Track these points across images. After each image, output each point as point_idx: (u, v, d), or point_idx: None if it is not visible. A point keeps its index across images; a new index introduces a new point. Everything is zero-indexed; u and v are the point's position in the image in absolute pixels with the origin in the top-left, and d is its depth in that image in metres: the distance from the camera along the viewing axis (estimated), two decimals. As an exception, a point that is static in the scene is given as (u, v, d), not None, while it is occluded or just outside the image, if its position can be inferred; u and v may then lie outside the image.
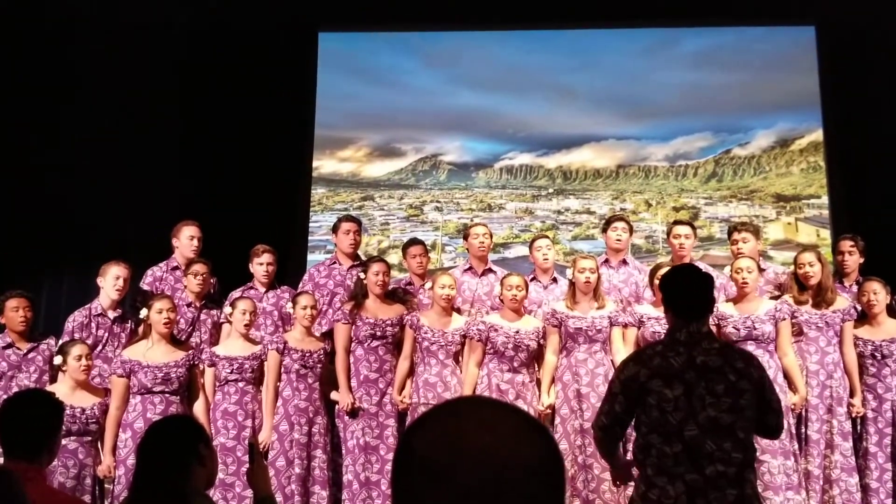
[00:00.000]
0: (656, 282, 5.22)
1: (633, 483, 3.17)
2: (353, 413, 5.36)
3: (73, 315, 5.50)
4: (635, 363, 3.15)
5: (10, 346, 5.27)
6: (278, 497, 5.08)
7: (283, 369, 5.27)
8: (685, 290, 3.21)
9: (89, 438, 4.96)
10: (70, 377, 4.90)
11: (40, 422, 2.72)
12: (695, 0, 8.04)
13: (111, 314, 5.53)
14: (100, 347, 5.45)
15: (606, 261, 5.87)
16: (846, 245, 5.70)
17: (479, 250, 5.91)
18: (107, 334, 5.49)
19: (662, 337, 3.27)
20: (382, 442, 5.34)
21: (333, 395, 5.40)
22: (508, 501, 1.00)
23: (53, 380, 5.08)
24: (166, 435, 2.72)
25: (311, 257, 7.77)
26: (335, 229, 6.09)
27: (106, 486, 5.05)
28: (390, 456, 5.30)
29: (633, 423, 3.21)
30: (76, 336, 5.32)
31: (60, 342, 5.22)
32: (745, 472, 2.98)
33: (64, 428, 3.21)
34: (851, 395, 5.24)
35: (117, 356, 5.17)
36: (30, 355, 5.29)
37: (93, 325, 5.47)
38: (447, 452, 1.02)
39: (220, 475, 4.76)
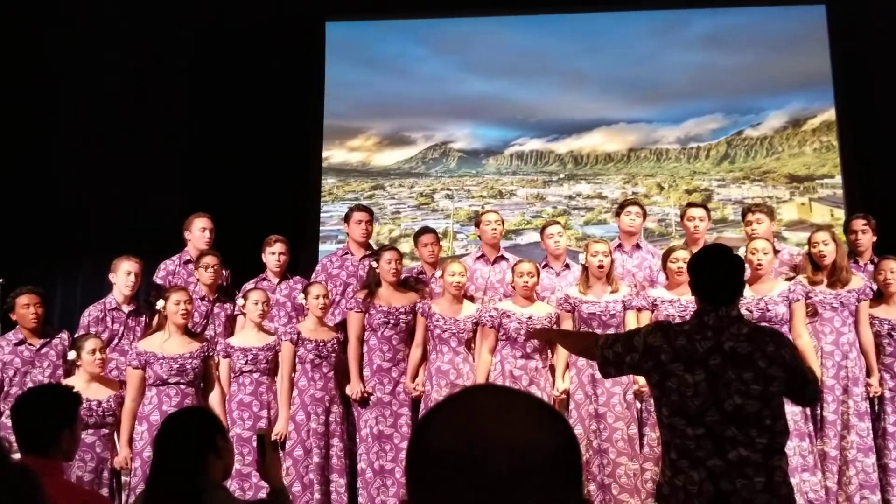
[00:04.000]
0: (669, 265, 5.20)
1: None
2: (364, 402, 5.37)
3: (89, 309, 5.53)
4: (663, 334, 3.02)
5: (22, 342, 5.29)
6: (297, 486, 5.12)
7: (297, 360, 5.29)
8: (714, 273, 3.08)
9: (106, 431, 4.99)
10: (85, 371, 4.93)
11: (52, 415, 2.72)
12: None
13: (126, 308, 5.55)
14: (116, 341, 5.48)
15: (620, 245, 5.84)
16: (858, 224, 5.64)
17: (490, 237, 5.89)
18: (122, 328, 5.52)
19: (685, 318, 3.17)
20: (396, 430, 5.35)
21: (348, 389, 5.40)
22: (530, 490, 0.99)
23: (68, 374, 5.12)
24: (183, 427, 2.73)
25: (322, 248, 7.77)
26: (347, 219, 6.09)
27: (123, 478, 5.09)
28: (404, 444, 5.29)
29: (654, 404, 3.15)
30: (92, 330, 5.34)
31: (74, 337, 5.25)
32: (772, 458, 2.88)
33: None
34: (868, 375, 5.20)
35: (132, 348, 5.19)
36: (43, 350, 5.30)
37: (108, 319, 5.49)
38: (465, 443, 1.00)
39: (237, 466, 4.78)
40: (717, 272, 3.09)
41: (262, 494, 4.96)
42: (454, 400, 1.09)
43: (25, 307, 5.25)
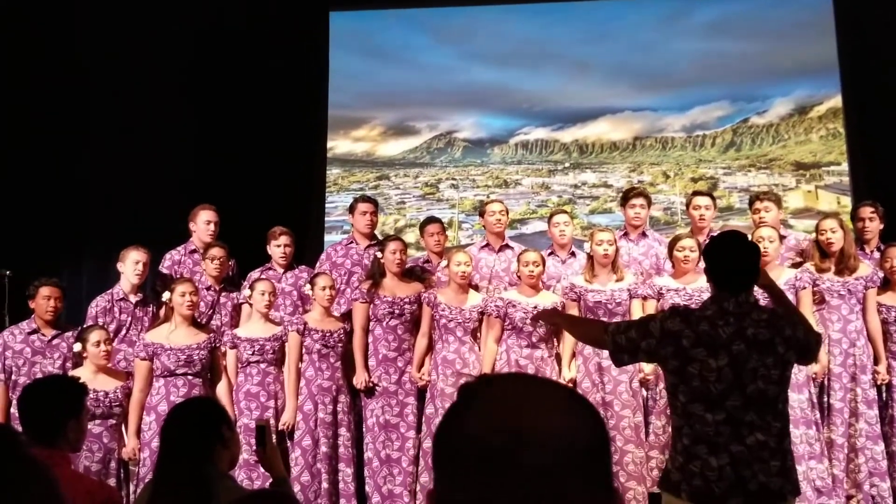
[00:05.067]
0: (676, 254, 5.19)
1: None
2: (369, 391, 5.38)
3: (96, 300, 5.55)
4: (682, 320, 3.00)
5: (35, 331, 5.31)
6: (306, 476, 5.14)
7: (304, 350, 5.29)
8: (733, 260, 3.07)
9: (114, 422, 5.01)
10: (91, 362, 4.94)
11: (58, 406, 2.72)
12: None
13: (133, 298, 5.56)
14: (123, 331, 5.51)
15: (625, 233, 5.82)
16: (866, 211, 5.62)
17: (495, 227, 5.88)
18: (130, 318, 5.54)
19: (703, 304, 3.13)
20: (402, 420, 5.36)
21: (354, 379, 5.41)
22: (569, 479, 0.98)
23: (77, 366, 5.13)
24: (190, 417, 2.74)
25: (327, 238, 7.77)
26: (352, 210, 6.09)
27: (131, 468, 5.11)
28: (410, 433, 5.33)
29: (666, 388, 3.15)
30: (100, 321, 5.36)
31: (80, 328, 5.26)
32: (784, 441, 2.95)
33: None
34: (876, 362, 5.19)
35: (140, 339, 5.21)
36: (54, 342, 5.32)
37: (116, 309, 5.51)
38: (505, 434, 0.98)
39: (245, 455, 4.79)
40: (737, 259, 3.08)
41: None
42: (486, 388, 1.07)
43: (46, 298, 5.28)
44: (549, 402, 1.03)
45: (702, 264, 4.97)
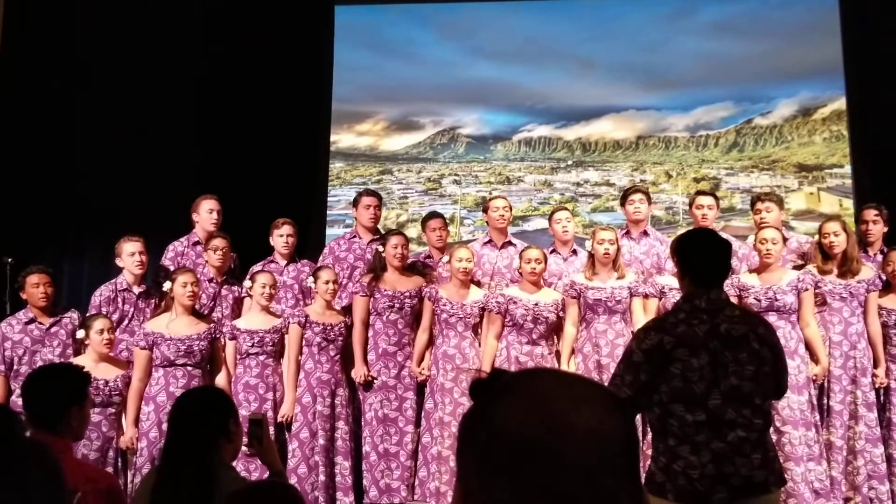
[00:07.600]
0: (678, 252, 5.18)
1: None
2: (368, 385, 5.38)
3: (100, 289, 5.53)
4: (657, 331, 3.00)
5: (32, 321, 5.31)
6: (303, 468, 5.15)
7: (304, 342, 5.30)
8: (704, 255, 3.09)
9: (113, 411, 5.01)
10: (93, 350, 4.94)
11: (61, 393, 2.72)
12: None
13: (136, 289, 5.55)
14: (126, 322, 5.49)
15: (627, 232, 5.82)
16: (870, 214, 5.62)
17: (499, 223, 5.88)
18: (132, 309, 5.52)
19: (678, 304, 3.14)
20: (401, 414, 5.36)
21: (353, 373, 5.42)
22: (614, 477, 0.97)
23: (77, 353, 5.13)
24: (200, 406, 2.74)
25: (329, 231, 7.77)
26: (355, 203, 6.09)
27: (129, 457, 5.11)
28: (409, 428, 5.34)
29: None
30: (103, 310, 5.35)
31: (85, 316, 5.26)
32: (764, 436, 2.98)
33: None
34: (875, 365, 5.20)
35: (140, 329, 5.20)
36: (52, 329, 5.32)
37: (119, 299, 5.50)
38: (547, 430, 0.96)
39: (243, 447, 4.79)
40: (710, 256, 3.09)
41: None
42: (520, 383, 1.05)
43: (35, 286, 5.27)
44: (589, 399, 1.01)
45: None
